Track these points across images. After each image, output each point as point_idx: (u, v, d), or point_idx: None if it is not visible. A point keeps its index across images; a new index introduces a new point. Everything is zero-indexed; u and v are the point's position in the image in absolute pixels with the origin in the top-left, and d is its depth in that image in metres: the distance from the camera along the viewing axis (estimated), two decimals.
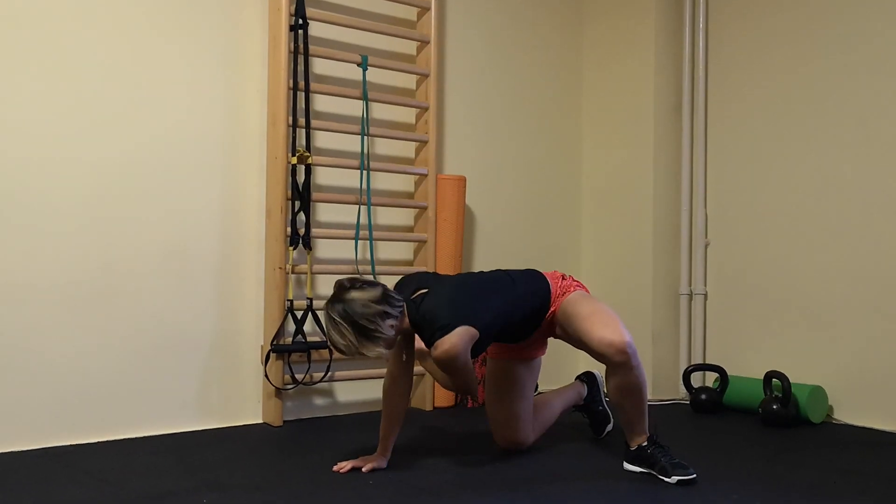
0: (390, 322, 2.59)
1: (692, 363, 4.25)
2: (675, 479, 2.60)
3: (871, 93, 3.67)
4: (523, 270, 2.96)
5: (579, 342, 2.79)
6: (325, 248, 3.65)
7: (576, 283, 2.93)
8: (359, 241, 3.63)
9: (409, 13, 3.96)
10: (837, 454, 3.11)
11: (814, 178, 3.86)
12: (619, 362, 2.64)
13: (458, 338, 2.58)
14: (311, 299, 3.50)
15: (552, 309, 2.86)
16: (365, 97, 3.67)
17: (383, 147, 3.88)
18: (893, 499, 2.50)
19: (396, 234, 3.88)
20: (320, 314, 3.51)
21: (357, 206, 3.64)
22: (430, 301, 2.67)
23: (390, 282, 3.05)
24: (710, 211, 4.31)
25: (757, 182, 4.10)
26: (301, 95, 3.52)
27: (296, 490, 2.51)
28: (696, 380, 4.17)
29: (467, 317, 2.62)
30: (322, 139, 3.68)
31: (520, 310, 2.81)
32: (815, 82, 3.87)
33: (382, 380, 2.84)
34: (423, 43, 3.92)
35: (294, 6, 3.49)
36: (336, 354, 3.52)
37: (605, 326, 2.68)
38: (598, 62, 4.62)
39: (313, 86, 3.57)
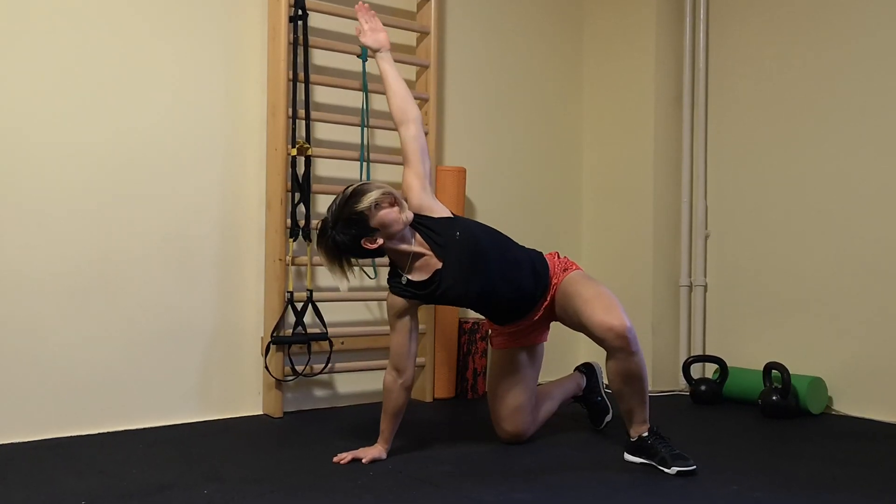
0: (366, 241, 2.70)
1: (692, 354, 4.25)
2: (674, 470, 2.61)
3: (874, 85, 3.66)
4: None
5: (578, 324, 2.79)
6: None
7: (573, 263, 2.97)
8: None
9: (409, 4, 3.95)
10: (837, 445, 3.11)
11: (814, 170, 3.86)
12: (618, 347, 2.65)
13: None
14: (311, 291, 3.50)
15: (554, 282, 2.87)
16: (365, 88, 3.66)
17: (383, 138, 3.87)
18: (893, 490, 2.51)
19: None
20: (320, 306, 3.52)
21: None
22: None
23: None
24: (710, 202, 4.31)
25: (757, 174, 4.09)
26: (301, 87, 3.51)
27: (296, 481, 2.51)
28: (696, 371, 4.17)
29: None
30: (322, 130, 3.68)
31: (512, 252, 2.88)
32: (816, 75, 3.86)
33: (383, 371, 2.84)
34: (423, 34, 3.91)
35: None
36: (336, 346, 3.54)
37: (607, 310, 2.69)
38: (598, 53, 4.61)
39: (313, 77, 3.57)
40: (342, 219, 2.67)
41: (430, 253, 2.77)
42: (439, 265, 2.76)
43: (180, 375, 3.34)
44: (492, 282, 2.81)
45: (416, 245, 2.77)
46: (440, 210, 2.84)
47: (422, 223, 2.78)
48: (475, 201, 4.19)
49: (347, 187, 2.73)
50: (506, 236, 2.95)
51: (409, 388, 2.81)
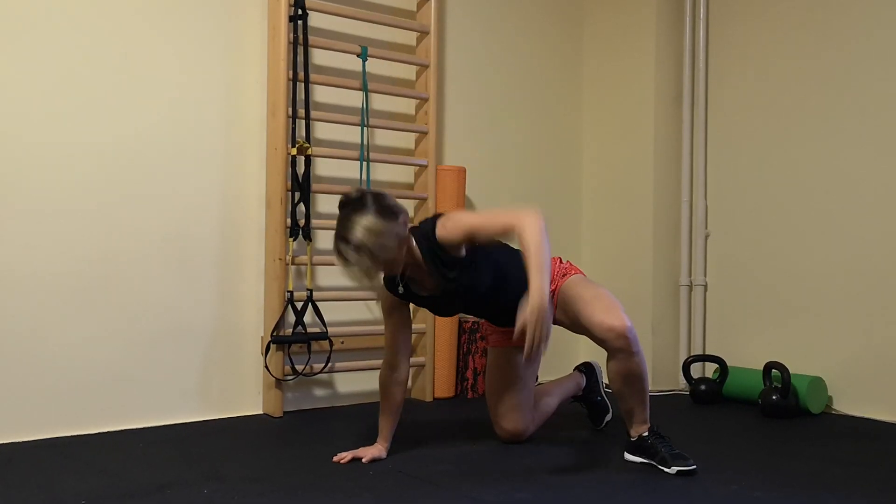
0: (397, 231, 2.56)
1: (692, 354, 4.25)
2: (674, 469, 2.61)
3: (873, 84, 3.66)
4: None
5: (580, 326, 2.79)
6: (324, 240, 3.65)
7: (574, 267, 2.96)
8: None
9: (409, 3, 3.95)
10: (837, 445, 3.11)
11: (814, 170, 3.86)
12: (619, 347, 2.65)
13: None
14: (310, 290, 3.50)
15: (551, 288, 2.86)
16: (365, 88, 3.66)
17: (383, 138, 3.88)
18: (893, 490, 2.51)
19: None
20: (320, 306, 3.52)
21: None
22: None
23: None
24: (710, 202, 4.31)
25: (757, 173, 4.09)
26: (301, 86, 3.51)
27: (296, 481, 2.51)
28: (696, 370, 4.17)
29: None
30: (322, 130, 3.68)
31: (514, 272, 2.78)
32: (816, 73, 3.86)
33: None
34: (423, 33, 3.91)
35: None
36: (336, 345, 3.54)
37: (607, 311, 2.69)
38: (598, 53, 4.61)
39: (313, 76, 3.57)
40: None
41: (429, 279, 2.73)
42: (436, 291, 2.75)
43: (180, 375, 3.34)
44: (484, 305, 2.90)
45: (420, 272, 2.71)
46: (460, 253, 2.73)
47: (437, 254, 2.68)
48: (475, 201, 4.19)
49: (350, 230, 2.57)
50: (508, 254, 2.88)
51: (403, 382, 2.82)
